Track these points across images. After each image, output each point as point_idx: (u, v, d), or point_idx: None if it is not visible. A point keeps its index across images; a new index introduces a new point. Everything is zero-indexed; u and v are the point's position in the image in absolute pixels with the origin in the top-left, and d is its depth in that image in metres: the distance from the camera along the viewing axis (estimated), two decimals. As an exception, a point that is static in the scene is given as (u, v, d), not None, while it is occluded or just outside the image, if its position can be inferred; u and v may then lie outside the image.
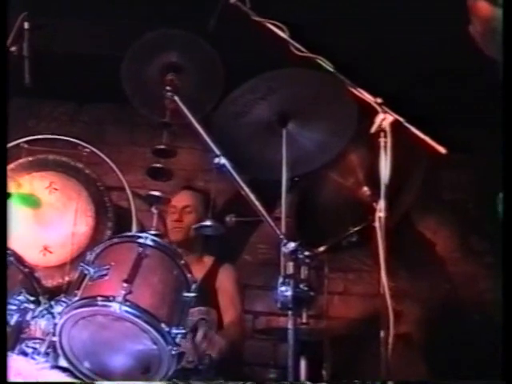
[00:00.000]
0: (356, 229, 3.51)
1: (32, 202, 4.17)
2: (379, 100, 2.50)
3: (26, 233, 4.06)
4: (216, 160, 2.65)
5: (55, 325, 2.58)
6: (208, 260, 4.09)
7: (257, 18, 2.82)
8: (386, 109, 2.47)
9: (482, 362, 4.06)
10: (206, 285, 3.83)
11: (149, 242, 2.69)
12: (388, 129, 2.45)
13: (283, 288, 2.35)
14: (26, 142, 4.17)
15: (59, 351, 2.59)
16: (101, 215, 4.23)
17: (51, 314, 2.75)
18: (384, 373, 2.75)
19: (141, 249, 2.67)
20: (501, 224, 1.99)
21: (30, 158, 4.25)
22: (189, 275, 2.75)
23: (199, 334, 3.27)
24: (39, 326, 2.78)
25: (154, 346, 2.53)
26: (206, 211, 3.94)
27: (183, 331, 2.57)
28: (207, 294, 3.78)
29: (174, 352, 2.52)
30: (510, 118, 1.99)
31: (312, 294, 2.40)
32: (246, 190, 2.56)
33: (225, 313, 3.91)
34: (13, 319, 2.78)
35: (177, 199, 4.07)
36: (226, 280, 4.03)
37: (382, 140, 2.52)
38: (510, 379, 1.84)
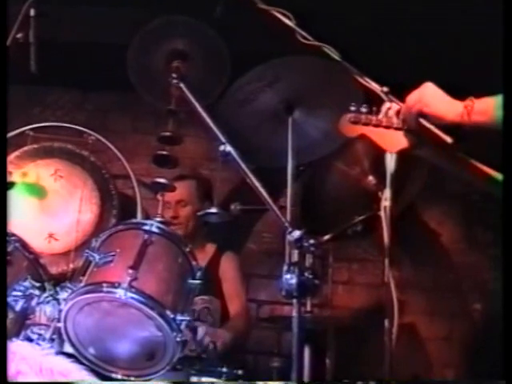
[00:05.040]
0: (361, 218, 3.51)
1: (37, 191, 4.17)
2: (385, 89, 2.49)
3: (31, 220, 4.06)
4: (221, 148, 2.63)
5: (60, 311, 2.59)
6: (210, 248, 4.05)
7: (263, 6, 2.81)
8: (392, 97, 2.46)
9: (483, 352, 4.08)
10: (209, 273, 3.79)
11: (154, 229, 2.70)
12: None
13: (288, 276, 2.34)
14: (31, 129, 4.17)
15: (64, 337, 2.60)
16: (106, 203, 4.23)
17: (56, 300, 2.76)
18: (387, 362, 2.76)
19: (146, 236, 2.67)
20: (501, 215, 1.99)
21: (36, 146, 4.24)
22: (194, 262, 2.76)
23: (199, 334, 3.21)
24: (44, 312, 2.78)
25: (159, 333, 2.53)
26: (203, 200, 3.93)
27: (188, 318, 2.58)
28: (210, 282, 3.76)
29: (178, 339, 2.52)
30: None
31: (317, 282, 2.39)
32: (252, 178, 2.55)
33: (230, 303, 3.88)
34: (18, 305, 2.78)
35: (170, 193, 3.71)
36: (228, 268, 3.99)
37: (388, 129, 2.51)
38: (510, 379, 1.83)
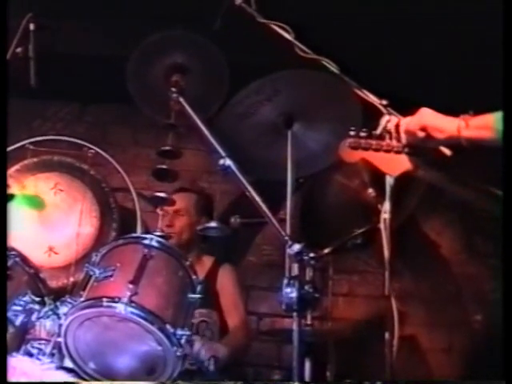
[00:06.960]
0: (361, 230, 3.51)
1: (36, 203, 4.17)
2: (384, 102, 2.50)
3: (31, 233, 4.06)
4: (221, 161, 2.64)
5: (60, 325, 2.59)
6: (207, 261, 4.00)
7: (262, 20, 2.82)
8: (391, 110, 2.47)
9: (484, 363, 4.07)
10: (207, 286, 3.77)
11: (154, 244, 2.70)
12: (393, 130, 2.45)
13: (288, 289, 2.35)
14: (30, 143, 4.17)
15: (64, 352, 2.60)
16: (106, 216, 4.23)
17: (56, 314, 2.75)
18: (388, 374, 2.75)
19: (146, 250, 2.67)
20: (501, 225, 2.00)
21: (35, 159, 4.24)
22: (194, 276, 2.76)
23: (195, 348, 3.18)
24: (44, 326, 2.78)
25: (159, 347, 2.53)
26: (201, 214, 3.92)
27: (188, 332, 2.58)
28: (208, 295, 3.73)
29: (178, 353, 2.52)
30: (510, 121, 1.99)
31: (317, 295, 2.40)
32: (251, 191, 2.55)
33: (228, 316, 3.85)
34: (18, 320, 2.78)
35: None
36: (226, 281, 3.95)
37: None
38: (510, 379, 1.84)
